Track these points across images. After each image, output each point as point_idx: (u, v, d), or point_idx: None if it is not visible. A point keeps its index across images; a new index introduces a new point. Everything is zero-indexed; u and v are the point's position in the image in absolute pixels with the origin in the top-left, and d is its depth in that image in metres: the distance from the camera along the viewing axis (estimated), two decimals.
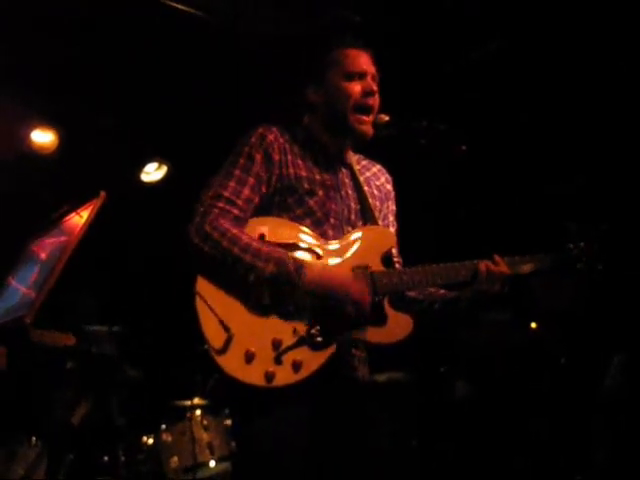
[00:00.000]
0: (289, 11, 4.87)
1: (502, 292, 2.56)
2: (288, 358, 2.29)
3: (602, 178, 4.98)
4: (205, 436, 4.87)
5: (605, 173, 5.00)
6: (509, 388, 5.33)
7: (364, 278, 2.42)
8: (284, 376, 2.28)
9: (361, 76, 2.59)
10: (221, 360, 2.26)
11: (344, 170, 2.67)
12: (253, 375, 2.26)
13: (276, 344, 2.29)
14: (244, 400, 2.34)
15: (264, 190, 2.48)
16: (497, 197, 5.62)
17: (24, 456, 4.34)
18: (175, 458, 4.77)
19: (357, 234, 2.53)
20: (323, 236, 2.48)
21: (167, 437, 4.85)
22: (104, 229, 3.66)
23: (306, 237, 2.45)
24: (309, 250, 2.43)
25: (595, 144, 5.09)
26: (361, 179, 2.68)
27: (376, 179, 2.78)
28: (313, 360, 2.31)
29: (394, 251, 2.70)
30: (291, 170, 2.52)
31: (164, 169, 6.19)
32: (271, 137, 2.53)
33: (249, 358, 2.26)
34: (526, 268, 2.66)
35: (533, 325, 5.48)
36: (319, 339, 2.33)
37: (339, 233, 2.52)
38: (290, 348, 2.30)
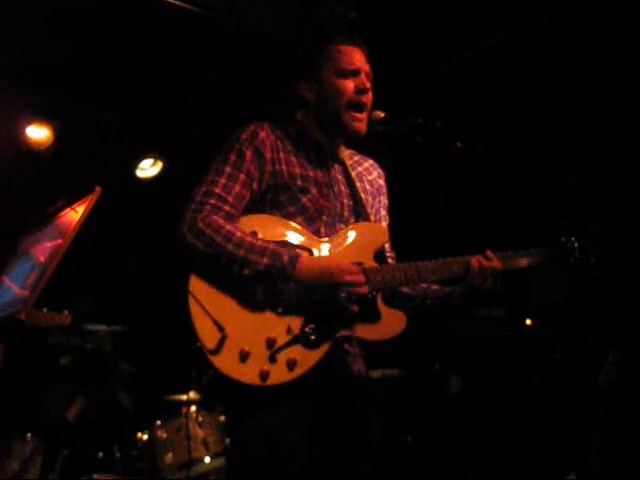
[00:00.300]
0: (285, 7, 4.86)
1: (494, 287, 2.54)
2: (282, 357, 2.29)
3: (598, 174, 4.98)
4: (200, 432, 4.87)
5: (601, 169, 5.00)
6: (504, 384, 5.34)
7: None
8: (279, 375, 2.27)
9: (355, 73, 2.58)
10: (215, 360, 2.26)
11: (336, 166, 2.67)
12: (248, 374, 2.25)
13: (270, 343, 2.29)
14: (239, 399, 2.33)
15: (255, 187, 2.48)
16: (491, 192, 5.62)
17: (19, 452, 4.34)
18: (170, 454, 4.77)
19: (350, 231, 2.53)
20: (316, 233, 2.48)
21: (162, 433, 4.85)
22: (99, 225, 3.66)
23: (298, 235, 2.45)
24: (302, 248, 2.42)
25: (591, 140, 5.09)
26: (353, 174, 2.68)
27: (368, 174, 2.77)
28: (307, 358, 2.31)
29: (387, 246, 2.69)
30: (284, 167, 2.51)
31: (160, 165, 6.19)
32: (263, 134, 2.53)
33: (243, 357, 2.26)
34: (518, 263, 2.64)
35: (528, 321, 5.49)
36: (313, 337, 2.32)
37: (332, 230, 2.51)
38: (284, 347, 2.30)
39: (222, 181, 2.43)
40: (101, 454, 4.81)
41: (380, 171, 2.84)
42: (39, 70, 5.10)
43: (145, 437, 4.87)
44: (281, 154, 2.53)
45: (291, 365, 2.28)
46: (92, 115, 5.60)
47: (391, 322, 2.44)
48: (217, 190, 2.41)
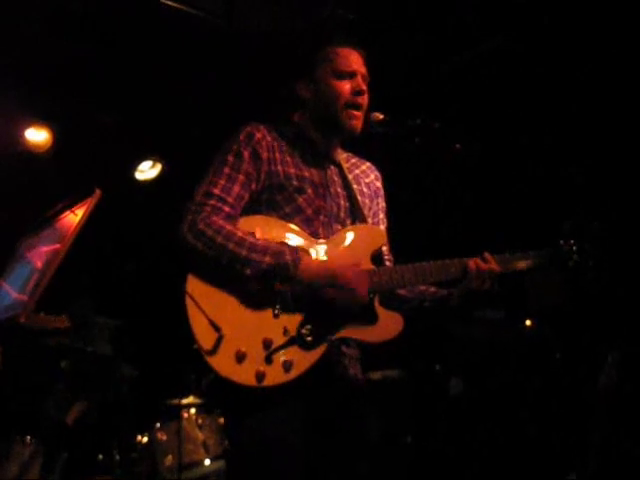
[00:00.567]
0: (285, 8, 4.87)
1: (492, 289, 2.55)
2: (279, 358, 2.29)
3: (598, 175, 4.98)
4: (199, 435, 4.88)
5: (601, 170, 4.99)
6: (503, 386, 5.34)
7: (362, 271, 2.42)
8: (275, 376, 2.27)
9: (351, 75, 2.59)
10: (212, 360, 2.26)
11: (333, 168, 2.67)
12: (244, 375, 2.25)
13: (267, 344, 2.29)
14: (235, 400, 2.33)
15: (254, 187, 2.49)
16: (490, 194, 5.62)
17: (18, 455, 4.33)
18: (170, 457, 4.78)
19: (347, 232, 2.53)
20: (313, 234, 2.48)
21: (162, 436, 4.85)
22: (98, 227, 3.66)
23: (295, 236, 2.45)
24: (299, 249, 2.40)
25: (591, 141, 5.09)
26: (350, 177, 2.68)
27: (365, 177, 2.77)
28: (304, 360, 2.31)
29: (385, 249, 2.70)
30: (280, 167, 2.52)
31: (159, 167, 6.19)
32: (259, 135, 2.54)
33: (240, 358, 2.26)
34: (516, 265, 2.64)
35: (528, 322, 5.49)
36: (309, 339, 2.32)
37: (329, 231, 2.51)
38: (281, 348, 2.30)
39: (221, 182, 2.44)
40: (101, 456, 4.81)
41: (377, 174, 2.84)
42: (38, 72, 5.10)
43: (145, 440, 4.87)
44: (277, 154, 2.54)
45: (287, 366, 2.28)
46: (91, 117, 5.60)
47: (388, 324, 2.44)
48: (217, 191, 2.42)
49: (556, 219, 2.83)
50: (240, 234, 2.34)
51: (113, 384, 4.93)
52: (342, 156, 2.75)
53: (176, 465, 4.77)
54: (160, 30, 4.90)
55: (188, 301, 2.29)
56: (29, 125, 5.51)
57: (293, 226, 2.46)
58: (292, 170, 2.53)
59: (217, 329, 2.27)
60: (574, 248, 2.71)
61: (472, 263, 2.53)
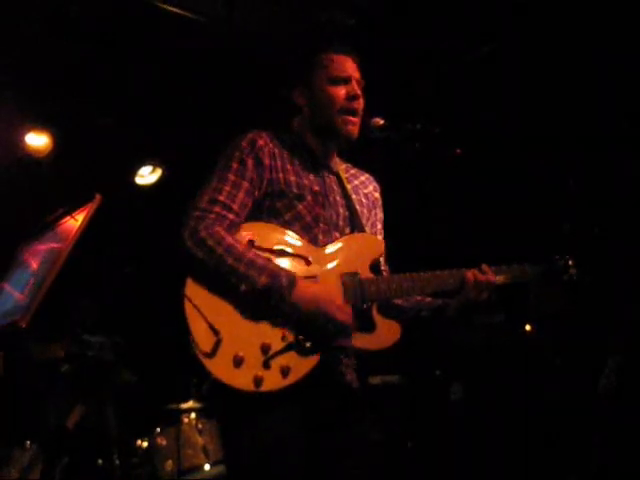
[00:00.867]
0: (284, 12, 4.88)
1: (489, 301, 2.57)
2: (277, 363, 2.29)
3: (596, 182, 4.98)
4: (200, 440, 4.87)
5: (599, 177, 5.00)
6: (504, 391, 5.33)
7: (353, 289, 2.44)
8: (272, 381, 2.27)
9: (346, 81, 2.60)
10: (209, 364, 2.26)
11: (332, 177, 2.68)
12: (241, 379, 2.26)
13: (265, 349, 2.29)
14: (234, 405, 2.33)
15: (257, 194, 2.49)
16: (489, 202, 5.62)
17: (18, 459, 4.34)
18: (170, 462, 4.77)
19: (346, 241, 2.53)
20: (313, 241, 2.48)
21: (162, 441, 4.84)
22: (99, 232, 3.66)
23: (295, 243, 2.45)
24: (298, 256, 2.43)
25: (591, 144, 5.09)
26: (349, 187, 2.69)
27: (364, 187, 2.78)
28: (301, 365, 2.31)
29: (381, 260, 2.69)
30: (280, 175, 2.52)
31: (159, 172, 6.19)
32: (261, 142, 2.53)
33: (238, 362, 2.26)
34: (513, 277, 2.66)
35: (528, 327, 5.49)
36: (307, 345, 2.33)
37: (328, 239, 2.52)
38: (279, 353, 2.30)
39: (226, 189, 2.43)
40: (100, 461, 4.80)
41: (376, 185, 2.85)
42: (38, 77, 5.10)
43: (145, 444, 4.87)
44: (278, 162, 2.54)
45: (285, 372, 2.28)
46: (91, 122, 5.60)
47: (386, 332, 2.46)
48: (221, 198, 2.42)
49: (556, 225, 2.84)
50: (240, 248, 2.33)
51: (113, 389, 4.93)
52: (341, 166, 2.75)
53: (176, 470, 4.76)
54: (161, 35, 4.91)
55: (187, 305, 2.29)
56: (29, 130, 5.51)
57: (293, 233, 2.46)
58: (292, 178, 2.54)
59: (216, 332, 2.27)
60: (570, 263, 2.75)
61: (470, 274, 2.55)
